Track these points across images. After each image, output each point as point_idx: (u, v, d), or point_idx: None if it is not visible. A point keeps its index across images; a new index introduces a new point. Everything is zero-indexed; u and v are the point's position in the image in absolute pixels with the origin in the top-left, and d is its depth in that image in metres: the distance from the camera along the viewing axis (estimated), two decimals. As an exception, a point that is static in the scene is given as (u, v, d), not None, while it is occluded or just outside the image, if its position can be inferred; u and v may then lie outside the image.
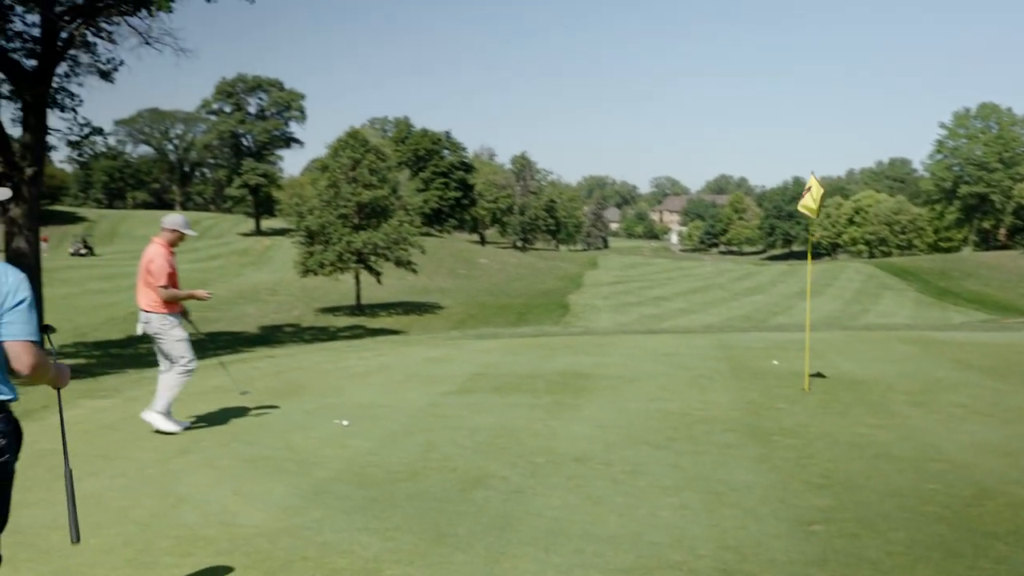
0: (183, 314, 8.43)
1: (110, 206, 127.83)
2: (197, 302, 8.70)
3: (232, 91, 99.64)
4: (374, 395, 10.08)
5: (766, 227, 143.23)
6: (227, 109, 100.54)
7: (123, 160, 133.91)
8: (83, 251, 75.68)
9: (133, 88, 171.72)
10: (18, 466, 3.69)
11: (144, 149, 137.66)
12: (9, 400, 3.41)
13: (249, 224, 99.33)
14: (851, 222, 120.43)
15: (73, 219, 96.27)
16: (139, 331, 8.29)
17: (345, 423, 8.38)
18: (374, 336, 29.52)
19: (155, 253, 8.08)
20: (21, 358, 3.34)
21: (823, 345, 13.92)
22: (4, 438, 3.36)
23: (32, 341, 3.39)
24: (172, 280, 8.09)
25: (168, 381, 8.15)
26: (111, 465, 6.98)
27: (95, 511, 5.77)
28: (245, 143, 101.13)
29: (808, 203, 9.79)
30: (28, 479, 5.04)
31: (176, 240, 8.29)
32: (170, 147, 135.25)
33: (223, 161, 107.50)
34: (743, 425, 8.21)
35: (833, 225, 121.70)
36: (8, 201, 18.29)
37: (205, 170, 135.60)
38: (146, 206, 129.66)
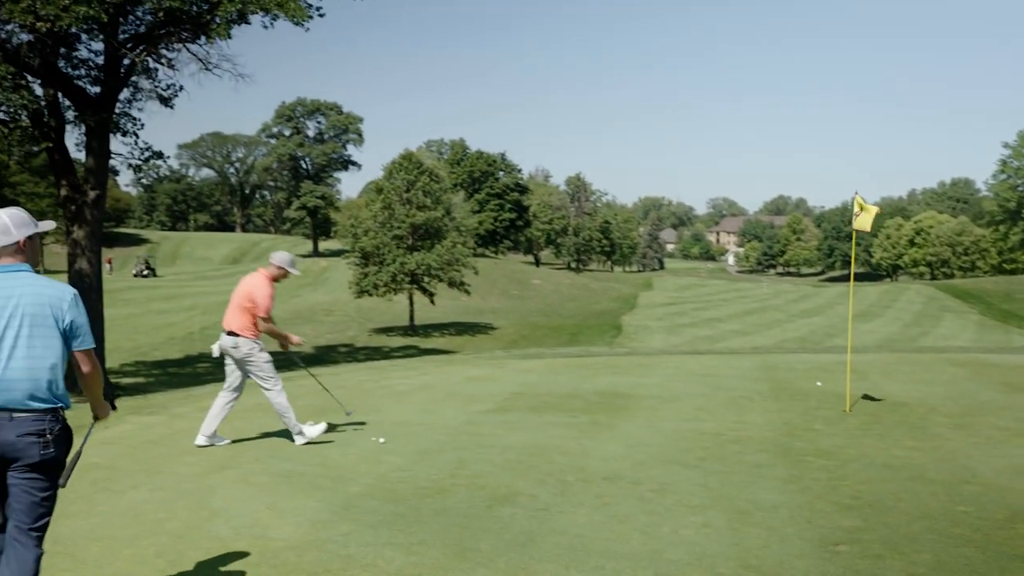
0: (283, 347, 8.83)
1: (173, 228, 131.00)
2: None
3: (291, 115, 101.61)
4: (413, 413, 10.21)
5: (825, 248, 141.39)
6: (286, 132, 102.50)
7: (186, 183, 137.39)
8: (145, 272, 77.67)
9: (198, 112, 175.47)
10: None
11: (206, 172, 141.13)
12: (62, 408, 4.05)
13: (307, 245, 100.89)
14: (912, 243, 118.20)
15: (137, 241, 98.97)
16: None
17: (381, 440, 8.51)
18: (424, 356, 29.72)
19: (259, 283, 8.39)
20: (87, 361, 4.16)
21: (870, 367, 13.75)
22: (51, 434, 3.95)
23: (92, 349, 4.17)
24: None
25: (278, 409, 8.50)
26: (151, 479, 7.19)
27: (132, 523, 5.97)
28: (304, 166, 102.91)
29: (863, 223, 9.90)
30: (69, 491, 5.20)
31: (280, 276, 8.60)
32: (231, 170, 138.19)
33: (282, 184, 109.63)
34: (776, 446, 8.17)
35: (894, 246, 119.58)
36: (70, 224, 18.76)
37: (265, 192, 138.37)
38: (208, 228, 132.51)
